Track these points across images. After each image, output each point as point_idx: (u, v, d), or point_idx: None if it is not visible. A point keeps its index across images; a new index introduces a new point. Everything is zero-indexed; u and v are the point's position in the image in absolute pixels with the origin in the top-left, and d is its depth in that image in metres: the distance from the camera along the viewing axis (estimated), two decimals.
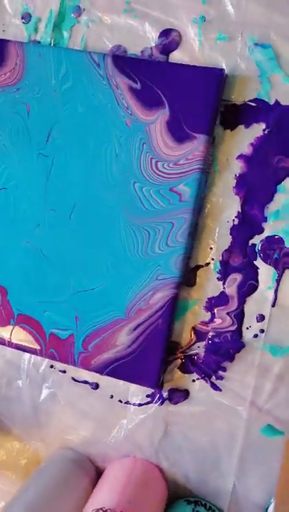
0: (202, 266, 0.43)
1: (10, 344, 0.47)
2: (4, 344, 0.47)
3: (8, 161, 0.47)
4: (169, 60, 0.44)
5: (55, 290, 0.45)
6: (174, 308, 0.42)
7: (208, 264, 0.43)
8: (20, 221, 0.46)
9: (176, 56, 0.44)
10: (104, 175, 0.44)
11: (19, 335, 0.46)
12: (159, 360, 0.43)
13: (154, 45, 0.44)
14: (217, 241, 0.43)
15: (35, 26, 0.48)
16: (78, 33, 0.46)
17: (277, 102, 0.41)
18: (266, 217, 0.42)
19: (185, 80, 0.41)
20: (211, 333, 0.43)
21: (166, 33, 0.44)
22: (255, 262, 0.42)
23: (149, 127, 0.42)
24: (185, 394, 0.44)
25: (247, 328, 0.43)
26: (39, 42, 0.47)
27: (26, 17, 0.48)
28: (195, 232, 0.43)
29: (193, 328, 0.44)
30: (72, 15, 0.46)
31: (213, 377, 0.43)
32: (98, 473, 0.48)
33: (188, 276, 0.44)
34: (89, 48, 0.46)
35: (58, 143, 0.45)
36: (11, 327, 0.47)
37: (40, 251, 0.46)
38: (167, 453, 0.46)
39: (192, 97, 0.41)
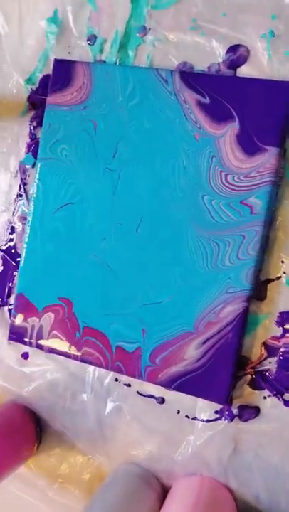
0: (273, 279, 0.43)
1: (75, 357, 0.47)
2: (69, 357, 0.48)
3: (74, 176, 0.47)
4: (237, 75, 0.44)
5: (121, 303, 0.46)
6: (244, 322, 0.42)
7: (279, 277, 0.43)
8: (86, 235, 0.47)
9: (244, 71, 0.44)
10: (171, 188, 0.44)
11: (85, 348, 0.47)
12: (229, 375, 0.42)
13: (221, 60, 0.45)
14: None
15: (100, 47, 0.49)
16: (144, 51, 0.47)
17: None
18: None
19: (255, 93, 0.41)
20: (282, 349, 0.42)
21: (233, 48, 0.44)
22: None
23: (218, 141, 0.42)
24: (256, 411, 0.43)
25: None
26: (104, 62, 0.49)
27: (92, 39, 0.49)
28: (266, 245, 0.42)
29: (264, 343, 0.43)
30: (138, 34, 0.48)
31: (286, 394, 0.42)
32: (164, 490, 0.47)
33: (259, 289, 0.43)
34: (155, 65, 0.47)
35: (125, 157, 0.46)
36: (76, 340, 0.47)
37: (107, 264, 0.46)
38: (236, 472, 0.45)
39: (262, 110, 0.41)
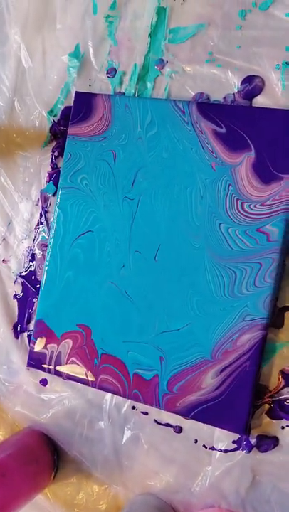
0: None
1: (93, 384, 0.47)
2: (87, 384, 0.48)
3: (94, 205, 0.48)
4: (253, 105, 0.45)
5: (139, 330, 0.46)
6: (262, 351, 0.41)
7: None
8: (105, 262, 0.48)
9: (259, 101, 0.45)
10: (189, 216, 0.45)
11: (103, 375, 0.47)
12: (248, 404, 0.41)
13: (236, 91, 0.45)
14: None
15: (120, 80, 0.50)
16: (161, 83, 0.49)
17: None
18: None
19: (270, 122, 0.42)
20: None
21: (249, 79, 0.45)
22: None
23: (234, 169, 0.43)
24: (274, 441, 0.42)
25: None
26: (123, 93, 0.50)
27: (111, 72, 0.51)
28: (283, 273, 0.42)
29: (282, 372, 0.43)
30: (156, 67, 0.49)
31: None
32: None
33: (276, 317, 0.43)
34: (172, 96, 0.48)
35: (143, 186, 0.47)
36: (94, 367, 0.47)
37: (125, 291, 0.47)
38: (255, 505, 0.44)
39: (278, 139, 0.42)
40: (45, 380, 0.53)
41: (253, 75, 0.45)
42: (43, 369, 0.50)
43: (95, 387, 0.47)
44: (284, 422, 0.42)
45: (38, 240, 0.54)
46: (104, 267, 0.48)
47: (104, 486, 0.50)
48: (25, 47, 0.53)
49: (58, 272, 0.49)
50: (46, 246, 0.53)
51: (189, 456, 0.46)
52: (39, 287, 0.52)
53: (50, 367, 0.49)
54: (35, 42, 0.53)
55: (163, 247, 0.45)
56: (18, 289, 0.55)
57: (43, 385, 0.53)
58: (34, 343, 0.50)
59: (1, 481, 0.44)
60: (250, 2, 0.44)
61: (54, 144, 0.53)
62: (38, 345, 0.50)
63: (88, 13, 0.51)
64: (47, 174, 0.53)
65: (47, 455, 0.50)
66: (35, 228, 0.54)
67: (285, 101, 0.44)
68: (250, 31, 0.45)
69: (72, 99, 0.51)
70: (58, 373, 0.49)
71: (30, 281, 0.54)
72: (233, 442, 0.44)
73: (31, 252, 0.54)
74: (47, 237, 0.53)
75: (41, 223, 0.54)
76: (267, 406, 0.43)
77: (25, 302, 0.54)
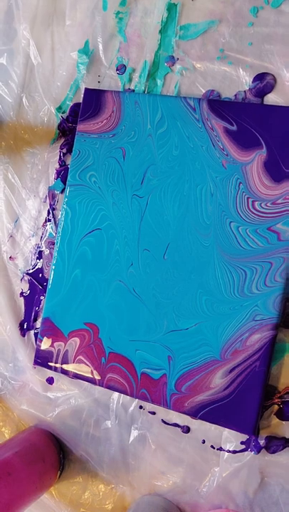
0: None
1: (100, 383, 0.47)
2: (94, 383, 0.47)
3: (103, 202, 0.48)
4: (264, 103, 0.44)
5: (147, 329, 0.45)
6: (272, 351, 0.41)
7: None
8: (113, 260, 0.47)
9: (271, 98, 0.44)
10: (199, 214, 0.44)
11: (110, 374, 0.46)
12: (257, 405, 0.41)
13: (247, 88, 0.45)
14: None
15: (129, 77, 0.50)
16: (172, 80, 0.48)
17: None
18: None
19: (282, 120, 0.42)
20: None
21: (260, 76, 0.45)
22: None
23: (245, 167, 0.42)
24: (284, 442, 0.42)
25: None
26: (133, 90, 0.50)
27: (121, 68, 0.50)
28: None
29: None
30: (166, 64, 0.48)
31: None
32: None
33: (286, 317, 0.42)
34: (182, 93, 0.48)
35: (153, 184, 0.46)
36: (102, 365, 0.47)
37: (133, 290, 0.46)
38: (263, 506, 0.43)
39: None
40: (52, 378, 0.52)
41: (265, 73, 0.44)
42: (50, 367, 0.50)
43: (102, 386, 0.47)
44: None
45: (46, 238, 0.54)
46: (112, 265, 0.47)
47: (110, 485, 0.49)
48: (34, 43, 0.53)
49: (66, 269, 0.49)
50: (54, 243, 0.52)
51: (197, 456, 0.45)
52: (46, 285, 0.52)
53: (57, 365, 0.49)
54: (44, 38, 0.53)
55: (172, 246, 0.45)
56: (25, 287, 0.54)
57: (49, 383, 0.52)
58: (41, 341, 0.50)
59: (7, 479, 0.44)
60: None
61: (62, 140, 0.53)
62: (45, 344, 0.50)
63: (98, 9, 0.50)
64: (55, 171, 0.53)
65: (53, 454, 0.50)
66: (43, 225, 0.54)
67: None
68: (262, 28, 0.44)
69: (82, 95, 0.50)
70: (65, 372, 0.49)
71: (37, 278, 0.54)
72: (242, 443, 0.44)
73: (38, 250, 0.54)
74: (54, 234, 0.53)
75: (49, 220, 0.53)
76: (276, 407, 0.43)
77: (32, 300, 0.54)
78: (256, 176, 0.42)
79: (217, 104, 0.44)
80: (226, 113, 0.44)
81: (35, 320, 0.54)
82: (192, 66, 0.47)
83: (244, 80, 0.45)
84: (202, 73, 0.47)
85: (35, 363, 0.50)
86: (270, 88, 0.44)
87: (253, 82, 0.45)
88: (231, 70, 0.46)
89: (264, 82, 0.44)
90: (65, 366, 0.49)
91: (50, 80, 0.53)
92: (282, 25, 0.44)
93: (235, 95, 0.45)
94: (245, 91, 0.45)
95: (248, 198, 0.42)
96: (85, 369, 0.48)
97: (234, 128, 0.43)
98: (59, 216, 0.52)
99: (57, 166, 0.53)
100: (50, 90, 0.53)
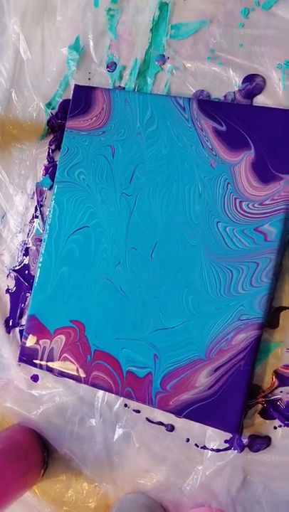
0: (286, 307, 0.42)
1: (86, 381, 0.47)
2: (79, 381, 0.47)
3: (91, 200, 0.48)
4: (253, 104, 0.44)
5: (133, 327, 0.45)
6: (256, 350, 0.41)
7: None
8: (101, 258, 0.47)
9: (260, 100, 0.44)
10: (186, 214, 0.44)
11: (95, 372, 0.46)
12: (241, 404, 0.41)
13: (237, 89, 0.45)
14: None
15: (119, 74, 0.50)
16: (162, 79, 0.48)
17: None
18: None
19: (271, 122, 0.42)
20: None
21: (250, 78, 0.45)
22: None
23: (233, 168, 0.43)
24: (267, 441, 0.42)
25: None
26: (123, 88, 0.49)
27: (111, 66, 0.50)
28: (279, 273, 0.42)
29: (276, 372, 0.43)
30: (157, 63, 0.48)
31: None
32: None
33: (271, 317, 0.43)
34: (172, 92, 0.48)
35: (142, 183, 0.46)
36: (87, 363, 0.47)
37: (120, 288, 0.46)
38: (245, 505, 0.43)
39: (278, 139, 0.42)
40: (37, 376, 0.52)
41: (254, 74, 0.45)
42: (35, 365, 0.49)
43: (87, 384, 0.47)
44: (276, 422, 0.42)
45: (33, 234, 0.53)
46: (99, 263, 0.47)
47: (94, 484, 0.49)
48: (24, 37, 0.53)
49: (53, 266, 0.49)
50: (41, 240, 0.52)
51: (180, 455, 0.45)
52: (32, 282, 0.52)
53: (42, 363, 0.49)
54: (34, 33, 0.53)
55: (160, 245, 0.45)
56: (11, 284, 0.54)
57: (34, 381, 0.52)
58: (26, 338, 0.50)
59: None
60: (253, 1, 0.44)
61: (51, 137, 0.52)
62: (30, 341, 0.49)
63: (89, 5, 0.50)
64: (43, 167, 0.53)
65: (37, 452, 0.50)
66: (30, 222, 0.53)
67: (285, 101, 0.43)
68: (252, 30, 0.44)
69: (71, 92, 0.50)
70: (50, 369, 0.49)
71: (23, 275, 0.53)
72: (225, 442, 0.44)
73: (25, 246, 0.54)
74: (42, 231, 0.53)
75: (36, 217, 0.53)
76: (260, 406, 0.43)
77: (17, 297, 0.54)
78: (244, 177, 0.42)
79: (207, 104, 0.44)
80: (216, 113, 0.44)
81: (20, 317, 0.53)
82: (182, 65, 0.47)
83: (234, 81, 0.45)
84: (192, 73, 0.47)
85: (20, 360, 0.50)
86: (259, 90, 0.45)
87: (242, 83, 0.45)
88: (221, 71, 0.46)
89: (253, 84, 0.45)
90: (50, 364, 0.48)
91: (39, 76, 0.52)
92: (272, 27, 0.44)
93: (225, 96, 0.46)
94: (234, 92, 0.45)
95: (235, 199, 0.43)
96: (70, 367, 0.47)
97: (223, 128, 0.43)
98: (46, 213, 0.52)
99: (45, 162, 0.53)
100: (39, 86, 0.53)
